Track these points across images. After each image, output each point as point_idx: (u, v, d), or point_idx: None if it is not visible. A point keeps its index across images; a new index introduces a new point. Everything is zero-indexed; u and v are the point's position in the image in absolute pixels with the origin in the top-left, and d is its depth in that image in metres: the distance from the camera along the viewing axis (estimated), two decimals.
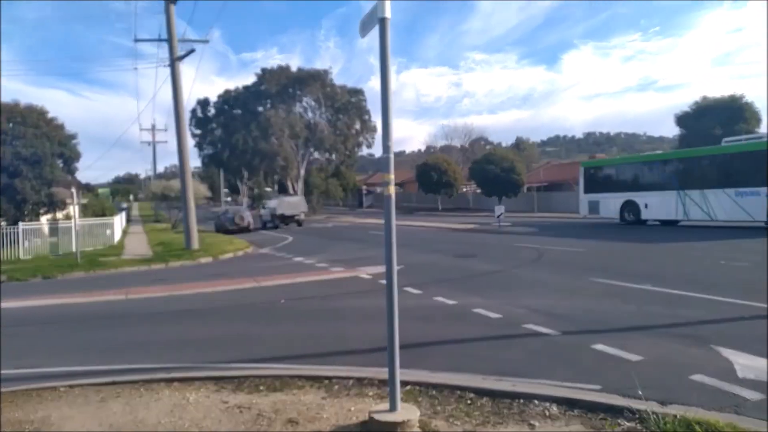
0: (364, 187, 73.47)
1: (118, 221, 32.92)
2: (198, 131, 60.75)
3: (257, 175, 64.40)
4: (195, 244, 20.37)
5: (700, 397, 4.25)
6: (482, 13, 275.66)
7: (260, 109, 55.35)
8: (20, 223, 21.19)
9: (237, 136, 54.93)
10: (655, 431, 3.54)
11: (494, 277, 11.38)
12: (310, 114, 57.63)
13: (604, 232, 21.77)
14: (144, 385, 5.13)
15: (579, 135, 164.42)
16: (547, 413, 4.01)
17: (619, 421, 3.79)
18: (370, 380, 4.86)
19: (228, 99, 58.60)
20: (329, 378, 5.01)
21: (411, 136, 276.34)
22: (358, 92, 59.04)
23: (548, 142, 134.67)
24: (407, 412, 3.80)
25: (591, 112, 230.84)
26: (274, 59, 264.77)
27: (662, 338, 6.02)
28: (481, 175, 46.41)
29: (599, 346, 5.73)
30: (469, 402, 4.30)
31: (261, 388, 4.89)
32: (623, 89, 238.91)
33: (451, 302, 8.67)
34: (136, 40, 22.77)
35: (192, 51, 20.76)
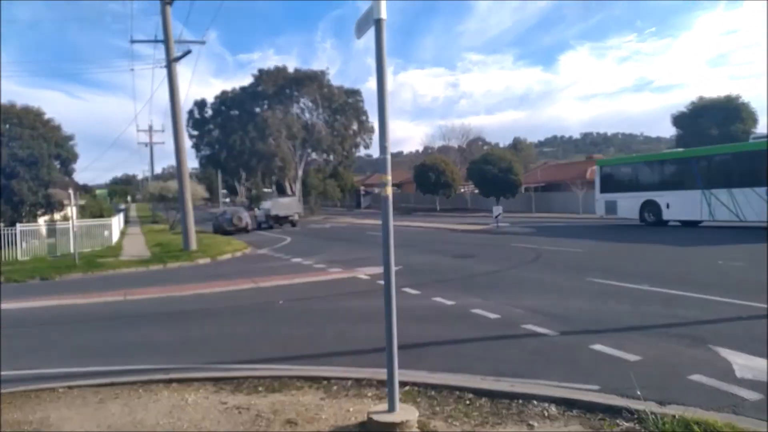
0: (362, 188, 73.44)
1: (116, 222, 32.84)
2: (195, 132, 60.66)
3: (255, 175, 64.31)
4: (193, 245, 20.34)
5: (699, 397, 4.26)
6: (478, 14, 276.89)
7: (257, 110, 55.36)
8: (18, 225, 21.14)
9: (234, 137, 54.88)
10: (654, 431, 3.55)
11: (492, 278, 11.39)
12: (307, 115, 57.66)
13: (604, 232, 21.81)
14: (142, 386, 5.13)
15: (576, 135, 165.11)
16: (546, 413, 4.01)
17: (617, 421, 3.79)
18: (369, 381, 4.86)
19: (225, 100, 58.54)
20: (328, 379, 5.01)
21: (408, 136, 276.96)
22: (355, 93, 59.05)
23: (545, 143, 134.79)
24: (406, 413, 3.80)
25: (588, 113, 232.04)
26: (270, 60, 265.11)
27: (660, 338, 6.03)
28: (479, 176, 46.45)
29: (597, 347, 5.74)
30: (467, 402, 4.30)
31: (260, 388, 4.89)
32: (620, 90, 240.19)
33: (449, 303, 8.67)
34: (133, 41, 22.77)
35: (188, 52, 20.75)
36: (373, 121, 58.05)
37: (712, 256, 13.06)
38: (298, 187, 56.36)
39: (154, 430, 4.07)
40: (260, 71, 56.03)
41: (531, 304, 8.23)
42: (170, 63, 20.37)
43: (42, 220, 27.89)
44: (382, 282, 3.95)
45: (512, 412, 4.08)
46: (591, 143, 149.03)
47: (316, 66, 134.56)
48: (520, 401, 4.25)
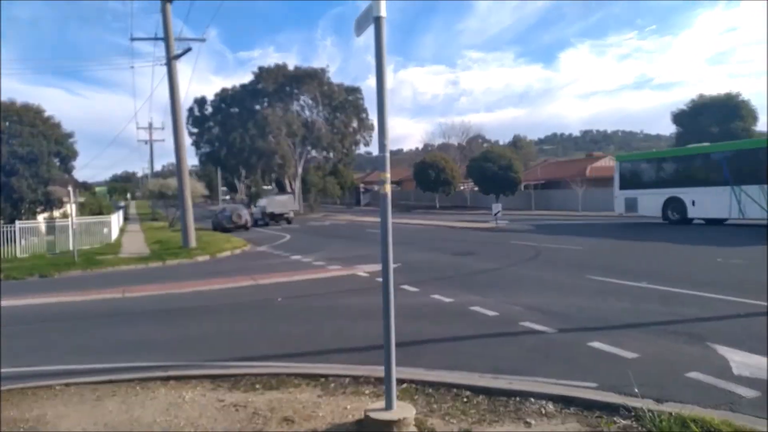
0: (362, 186, 73.41)
1: (116, 220, 32.82)
2: (195, 130, 60.65)
3: (255, 173, 64.26)
4: (192, 243, 20.32)
5: (696, 394, 4.26)
6: (479, 12, 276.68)
7: (257, 107, 55.32)
8: (17, 222, 21.14)
9: (234, 135, 54.85)
10: (651, 429, 3.54)
11: (491, 275, 11.38)
12: (307, 112, 57.65)
13: (601, 230, 21.80)
14: (140, 384, 5.11)
15: (576, 133, 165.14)
16: (543, 411, 4.00)
17: (615, 418, 3.79)
18: (367, 378, 4.85)
19: (225, 97, 58.49)
20: (325, 376, 5.00)
21: (408, 134, 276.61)
22: (355, 90, 59.00)
23: (545, 140, 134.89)
24: (403, 411, 3.79)
25: (588, 110, 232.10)
26: (271, 58, 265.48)
27: (659, 336, 6.03)
28: (479, 173, 46.42)
29: (595, 344, 5.73)
30: (465, 400, 4.29)
31: (257, 386, 4.88)
32: (620, 87, 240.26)
33: (448, 300, 8.66)
34: (133, 39, 22.69)
35: (189, 50, 20.69)
36: (373, 118, 57.95)
37: (723, 255, 13.05)
38: (297, 184, 56.34)
39: (151, 428, 4.06)
40: (260, 69, 56.01)
41: (530, 301, 8.22)
42: (170, 60, 20.33)
43: (41, 218, 27.89)
44: (380, 279, 3.95)
45: (509, 409, 4.08)
46: (591, 141, 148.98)
47: (316, 63, 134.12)
48: (518, 399, 4.24)
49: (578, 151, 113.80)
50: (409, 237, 21.50)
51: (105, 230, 25.87)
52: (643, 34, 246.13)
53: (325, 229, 31.22)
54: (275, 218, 36.81)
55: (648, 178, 23.90)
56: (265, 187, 69.58)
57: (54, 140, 29.74)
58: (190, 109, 59.37)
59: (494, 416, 3.96)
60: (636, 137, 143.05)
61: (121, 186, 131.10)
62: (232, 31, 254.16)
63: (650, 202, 23.22)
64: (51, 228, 22.91)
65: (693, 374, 4.69)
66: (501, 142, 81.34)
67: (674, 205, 22.33)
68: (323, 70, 55.81)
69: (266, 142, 52.21)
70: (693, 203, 21.52)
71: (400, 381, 4.49)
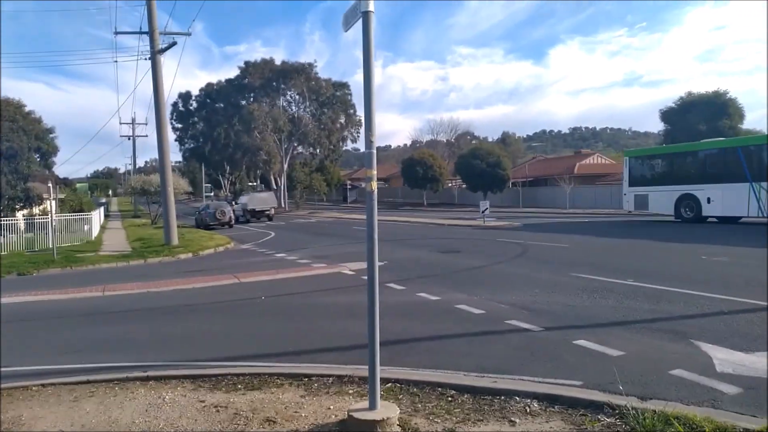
0: (349, 182, 73.27)
1: (97, 217, 32.32)
2: (179, 125, 59.99)
3: (239, 169, 63.82)
4: (175, 240, 20.09)
5: (679, 391, 4.27)
6: (469, 8, 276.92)
7: (243, 102, 54.85)
8: None
9: (219, 130, 54.33)
10: (635, 427, 3.54)
11: (478, 273, 11.38)
12: (294, 108, 57.24)
13: (590, 228, 21.97)
14: (119, 384, 5.03)
15: (565, 130, 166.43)
16: (528, 409, 3.98)
17: (599, 416, 3.78)
18: (351, 378, 4.80)
19: (210, 92, 57.90)
20: (309, 376, 4.94)
21: (397, 130, 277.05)
22: (343, 86, 58.66)
23: (534, 137, 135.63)
24: (387, 410, 3.75)
25: (577, 107, 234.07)
26: (257, 52, 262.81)
27: (643, 333, 6.05)
28: (467, 170, 46.51)
29: (581, 342, 5.74)
30: (449, 399, 4.26)
31: (239, 386, 4.81)
32: (609, 84, 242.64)
33: (434, 298, 8.63)
34: (116, 33, 22.57)
35: (174, 44, 20.42)
36: (361, 114, 57.61)
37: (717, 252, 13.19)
38: (283, 181, 55.98)
39: (130, 430, 3.97)
40: (247, 63, 55.57)
41: (516, 299, 8.22)
42: (154, 54, 20.03)
43: (20, 214, 27.35)
44: (366, 277, 3.89)
45: (494, 408, 4.05)
46: (580, 138, 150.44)
47: (303, 58, 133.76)
48: (503, 397, 4.22)
49: (567, 149, 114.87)
50: (396, 234, 21.46)
51: (86, 227, 25.46)
52: (633, 31, 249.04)
53: (311, 226, 31.07)
54: (256, 215, 37.16)
55: (659, 174, 23.06)
56: (250, 184, 69.13)
57: (34, 135, 29.16)
58: (175, 104, 58.78)
59: (479, 415, 3.93)
60: (624, 135, 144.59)
61: (103, 182, 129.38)
62: (218, 25, 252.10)
63: (662, 200, 22.44)
64: (30, 225, 22.50)
65: (677, 371, 4.70)
66: (490, 139, 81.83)
67: (688, 202, 21.54)
68: (311, 65, 55.46)
69: (252, 137, 51.71)
70: (708, 200, 20.69)
71: (384, 380, 4.44)
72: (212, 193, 73.48)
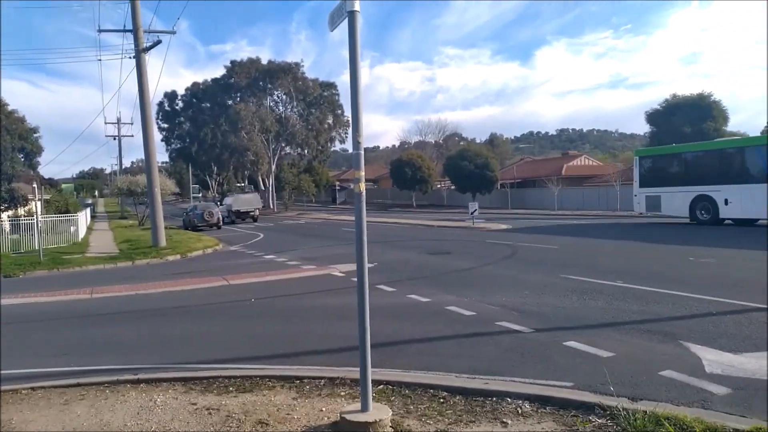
0: (337, 183, 73.11)
1: (83, 218, 31.94)
2: (165, 125, 59.42)
3: (227, 170, 63.37)
4: (162, 242, 19.91)
5: (670, 392, 4.32)
6: (456, 8, 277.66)
7: (230, 102, 54.44)
8: None
9: (206, 130, 53.95)
10: (626, 427, 3.57)
11: (468, 274, 11.42)
12: (281, 108, 56.91)
13: (580, 230, 22.13)
14: (110, 387, 4.98)
15: (552, 131, 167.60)
16: (520, 411, 4.00)
17: (590, 417, 3.81)
18: (342, 380, 4.79)
19: (196, 92, 57.46)
20: (300, 378, 4.93)
21: (385, 131, 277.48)
22: (330, 86, 58.45)
23: (521, 139, 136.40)
24: (379, 412, 3.75)
25: (563, 109, 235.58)
26: (243, 51, 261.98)
27: (633, 334, 6.11)
28: (456, 172, 46.68)
29: (571, 343, 5.78)
30: (441, 401, 4.27)
31: (230, 389, 4.78)
32: (595, 86, 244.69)
33: (424, 300, 8.65)
34: (100, 31, 22.06)
35: (158, 42, 20.20)
36: (349, 114, 57.59)
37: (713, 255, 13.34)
38: (271, 182, 55.71)
39: None
40: (233, 62, 55.16)
41: (506, 301, 8.26)
42: (139, 53, 19.84)
43: (5, 216, 26.94)
44: (356, 279, 3.89)
45: (486, 409, 4.07)
46: (567, 139, 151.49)
47: (290, 58, 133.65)
48: (494, 399, 4.24)
49: (554, 150, 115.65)
50: (386, 236, 21.47)
51: (72, 229, 25.16)
52: (618, 33, 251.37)
53: (300, 227, 30.98)
54: (241, 216, 37.37)
55: (673, 174, 21.95)
56: (238, 185, 68.73)
57: (18, 135, 28.83)
58: (160, 104, 58.17)
59: (471, 416, 3.94)
60: (611, 136, 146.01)
61: (89, 183, 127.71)
62: (203, 23, 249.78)
63: (675, 201, 21.36)
64: (15, 226, 22.13)
65: (667, 372, 4.76)
66: (478, 140, 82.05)
67: (704, 204, 20.48)
68: (297, 65, 55.20)
69: (239, 138, 51.34)
70: (726, 202, 19.62)
71: (376, 382, 4.45)
72: (200, 194, 72.93)
